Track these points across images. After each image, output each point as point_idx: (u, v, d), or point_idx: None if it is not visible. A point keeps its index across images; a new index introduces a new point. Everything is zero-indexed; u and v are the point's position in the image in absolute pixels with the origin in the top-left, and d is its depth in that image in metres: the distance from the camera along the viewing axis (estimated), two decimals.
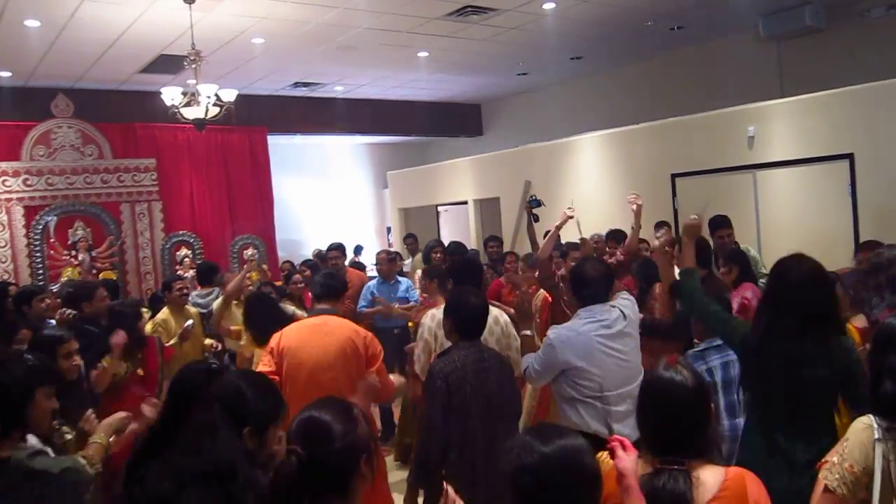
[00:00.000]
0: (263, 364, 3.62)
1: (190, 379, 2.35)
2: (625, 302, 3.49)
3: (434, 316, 3.89)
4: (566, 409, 3.30)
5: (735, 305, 4.58)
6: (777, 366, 2.64)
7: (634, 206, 5.15)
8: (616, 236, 6.51)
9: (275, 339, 3.68)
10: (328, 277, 4.04)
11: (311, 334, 3.66)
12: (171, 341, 5.51)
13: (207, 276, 7.03)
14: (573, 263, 5.36)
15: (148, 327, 5.85)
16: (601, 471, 1.70)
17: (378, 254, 7.33)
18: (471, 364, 3.15)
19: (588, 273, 3.44)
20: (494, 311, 3.76)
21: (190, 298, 6.87)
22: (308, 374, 3.50)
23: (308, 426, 1.72)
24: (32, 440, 2.42)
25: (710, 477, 1.85)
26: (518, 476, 1.61)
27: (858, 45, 8.09)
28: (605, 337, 3.26)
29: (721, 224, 5.80)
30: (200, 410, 1.94)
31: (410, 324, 5.95)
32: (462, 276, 4.26)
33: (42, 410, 2.40)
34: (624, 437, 3.08)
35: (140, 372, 4.53)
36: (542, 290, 5.48)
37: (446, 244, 7.39)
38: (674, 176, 8.06)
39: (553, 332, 3.34)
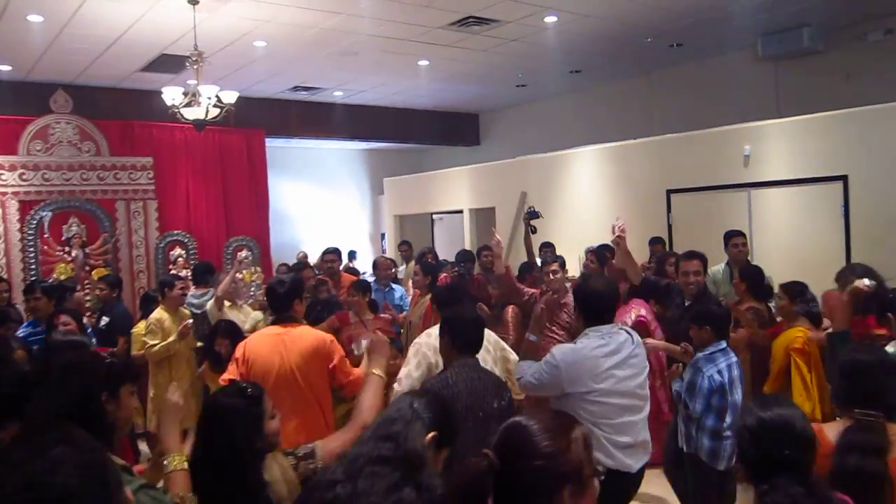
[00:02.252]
0: (229, 373, 3.64)
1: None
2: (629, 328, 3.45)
3: (431, 333, 3.78)
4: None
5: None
6: None
7: (619, 234, 4.72)
8: (600, 253, 6.54)
9: (240, 349, 3.71)
10: (275, 285, 3.93)
11: (276, 343, 3.66)
12: (171, 338, 5.53)
13: (203, 276, 7.03)
14: (549, 276, 5.35)
15: (140, 326, 5.87)
16: (815, 438, 2.00)
17: (380, 259, 7.35)
18: (464, 383, 3.07)
19: (596, 290, 3.34)
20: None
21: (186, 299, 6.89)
22: (274, 383, 3.50)
23: (511, 432, 1.58)
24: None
25: None
26: (740, 435, 2.05)
27: (855, 67, 8.18)
28: (614, 365, 3.16)
29: (735, 234, 6.07)
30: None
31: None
32: (448, 303, 4.18)
33: (128, 409, 2.23)
34: (626, 467, 3.10)
35: None
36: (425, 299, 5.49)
37: (446, 252, 7.42)
38: (669, 192, 8.12)
39: (559, 352, 3.22)
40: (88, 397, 2.05)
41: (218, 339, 4.80)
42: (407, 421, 1.79)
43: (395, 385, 3.56)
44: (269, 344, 3.67)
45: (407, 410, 1.84)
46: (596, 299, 3.30)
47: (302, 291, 4.08)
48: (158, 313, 5.77)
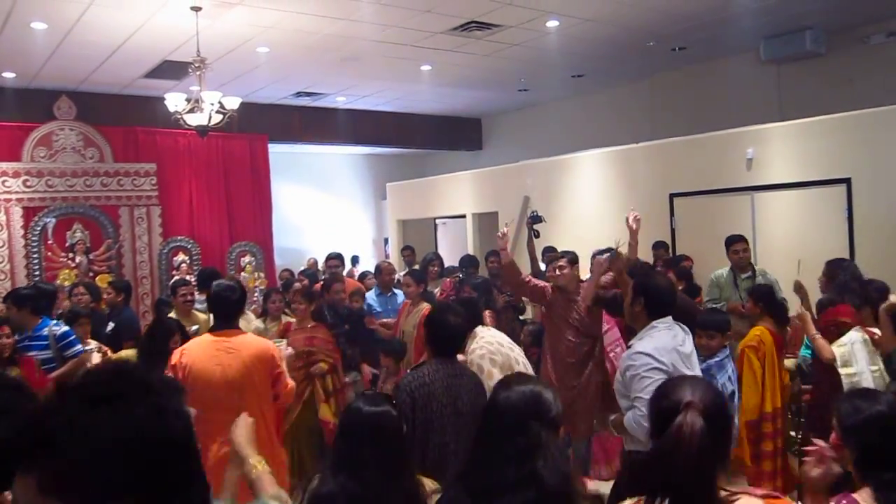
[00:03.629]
0: None
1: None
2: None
3: (493, 340, 3.86)
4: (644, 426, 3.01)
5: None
6: None
7: (634, 224, 4.91)
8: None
9: (176, 356, 3.61)
10: (224, 291, 3.79)
11: (216, 351, 3.57)
12: None
13: (207, 282, 7.00)
14: (557, 272, 5.25)
15: None
16: None
17: (382, 265, 7.34)
18: (440, 380, 3.07)
19: (661, 285, 3.46)
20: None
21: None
22: (213, 394, 3.42)
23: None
24: None
25: None
26: (865, 428, 2.06)
27: (858, 70, 8.17)
28: (686, 353, 3.25)
29: (736, 239, 6.08)
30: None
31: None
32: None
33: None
34: None
35: None
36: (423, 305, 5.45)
37: (449, 257, 7.41)
38: (672, 196, 8.11)
39: (648, 348, 3.15)
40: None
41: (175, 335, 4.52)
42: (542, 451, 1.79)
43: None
44: (209, 352, 3.55)
45: (536, 442, 1.82)
46: (665, 293, 3.39)
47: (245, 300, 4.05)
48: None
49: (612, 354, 4.77)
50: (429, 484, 2.21)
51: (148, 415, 1.12)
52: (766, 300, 4.87)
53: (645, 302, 3.36)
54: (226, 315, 3.74)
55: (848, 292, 4.68)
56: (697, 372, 3.25)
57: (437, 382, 3.06)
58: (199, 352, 3.57)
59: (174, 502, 1.12)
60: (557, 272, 5.16)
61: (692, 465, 1.54)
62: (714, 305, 5.87)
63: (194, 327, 5.58)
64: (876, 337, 4.01)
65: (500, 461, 1.75)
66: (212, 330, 3.79)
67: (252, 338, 3.79)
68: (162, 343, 4.26)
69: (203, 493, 1.19)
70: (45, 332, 5.02)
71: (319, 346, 5.13)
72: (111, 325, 6.18)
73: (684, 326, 3.41)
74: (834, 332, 4.40)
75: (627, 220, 4.90)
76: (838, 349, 4.08)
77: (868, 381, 3.89)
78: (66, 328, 5.08)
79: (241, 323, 5.90)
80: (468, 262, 7.03)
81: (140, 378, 1.22)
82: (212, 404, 3.29)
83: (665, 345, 3.17)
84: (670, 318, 3.33)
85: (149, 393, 1.16)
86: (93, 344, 5.38)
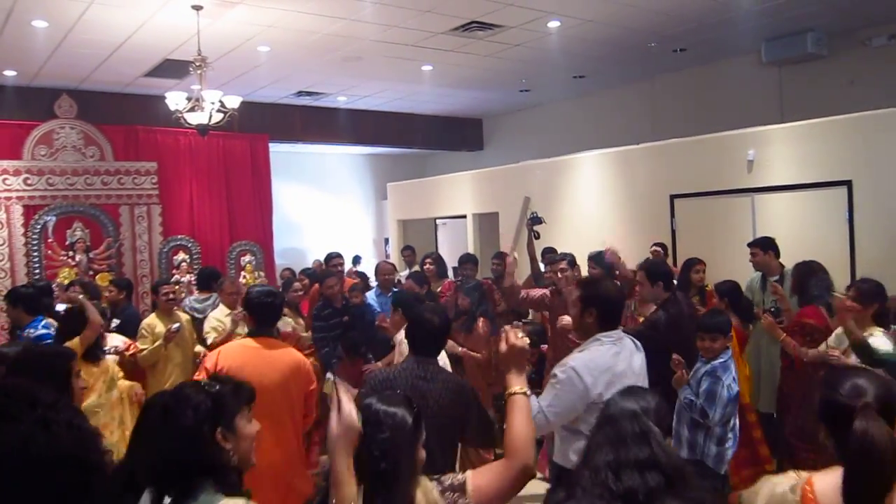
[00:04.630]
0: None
1: None
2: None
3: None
4: (573, 443, 2.98)
5: None
6: None
7: (612, 258, 5.23)
8: (598, 258, 6.47)
9: (212, 358, 3.59)
10: (266, 296, 3.79)
11: (254, 357, 3.55)
12: (157, 343, 5.49)
13: (207, 281, 7.02)
14: (558, 275, 5.27)
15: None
16: None
17: (382, 265, 7.35)
18: (405, 380, 3.00)
19: (611, 292, 3.25)
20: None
21: (187, 303, 6.89)
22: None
23: None
24: None
25: None
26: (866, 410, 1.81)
27: (859, 73, 8.17)
28: (626, 370, 3.04)
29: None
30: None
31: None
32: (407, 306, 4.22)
33: (249, 439, 1.96)
34: None
35: None
36: None
37: (451, 257, 7.39)
38: (672, 197, 8.10)
39: (576, 362, 3.01)
40: (196, 440, 1.77)
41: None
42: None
43: None
44: (247, 357, 3.53)
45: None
46: (614, 303, 3.22)
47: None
48: (151, 318, 5.75)
49: None
50: (426, 484, 2.00)
51: (33, 428, 1.11)
52: (731, 296, 5.12)
53: (597, 313, 3.15)
54: (265, 321, 3.74)
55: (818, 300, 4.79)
56: (640, 377, 3.10)
57: (399, 381, 2.99)
58: (237, 356, 3.53)
59: None
60: (559, 275, 5.21)
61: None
62: None
63: (175, 326, 5.54)
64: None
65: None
66: (252, 335, 3.77)
67: (289, 349, 3.79)
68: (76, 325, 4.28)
69: None
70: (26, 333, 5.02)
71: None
72: (116, 322, 6.18)
73: (636, 342, 3.23)
74: (798, 332, 4.55)
75: (607, 255, 5.20)
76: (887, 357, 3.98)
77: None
78: (43, 331, 4.96)
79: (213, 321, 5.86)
80: (466, 259, 6.96)
81: (26, 393, 1.22)
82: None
83: (599, 363, 2.98)
84: (617, 331, 3.17)
85: (34, 407, 1.15)
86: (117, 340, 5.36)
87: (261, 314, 3.75)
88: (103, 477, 1.19)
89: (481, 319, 5.47)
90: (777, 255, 5.81)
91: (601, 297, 3.19)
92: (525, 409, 2.11)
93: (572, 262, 5.79)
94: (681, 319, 4.37)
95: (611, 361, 3.01)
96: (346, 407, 1.82)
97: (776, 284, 5.35)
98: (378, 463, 1.81)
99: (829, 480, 1.83)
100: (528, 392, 2.17)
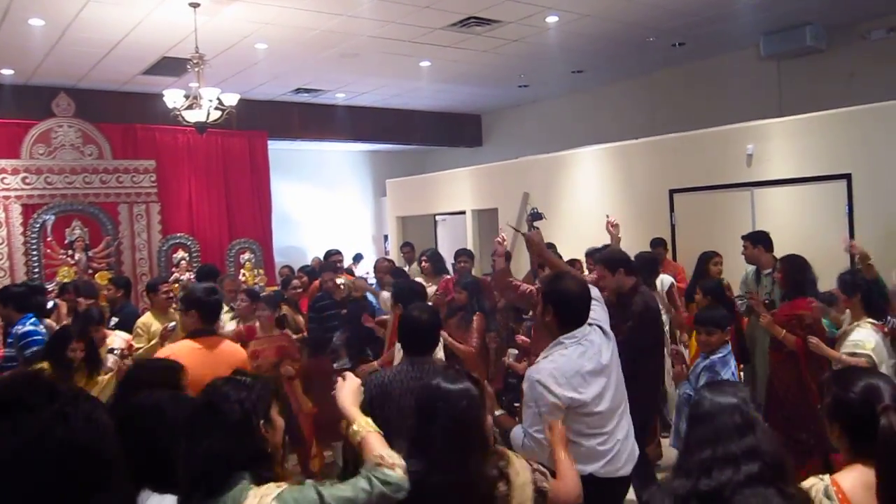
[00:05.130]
0: None
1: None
2: (598, 310, 3.13)
3: None
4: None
5: None
6: None
7: (613, 230, 5.25)
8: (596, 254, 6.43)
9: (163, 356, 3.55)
10: (212, 294, 3.82)
11: (204, 357, 3.53)
12: (153, 341, 5.47)
13: (206, 279, 7.00)
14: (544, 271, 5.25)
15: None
16: None
17: (380, 262, 7.35)
18: (399, 382, 2.95)
19: (571, 289, 3.01)
20: None
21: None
22: None
23: None
24: None
25: None
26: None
27: (858, 66, 8.16)
28: (596, 369, 2.90)
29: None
30: None
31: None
32: (408, 301, 4.20)
33: (281, 429, 2.01)
34: (614, 472, 2.98)
35: None
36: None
37: (450, 254, 7.40)
38: (672, 192, 8.09)
39: (539, 373, 2.83)
40: (245, 433, 1.82)
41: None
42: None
43: None
44: (197, 358, 3.46)
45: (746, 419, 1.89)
46: (575, 300, 2.98)
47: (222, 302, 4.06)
48: (146, 317, 5.73)
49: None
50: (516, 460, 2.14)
51: (51, 420, 1.13)
52: (714, 294, 5.17)
53: (555, 312, 2.97)
54: (210, 319, 3.76)
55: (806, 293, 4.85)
56: (610, 385, 2.96)
57: (395, 383, 2.96)
58: (187, 356, 3.44)
59: None
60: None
61: None
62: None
63: (171, 324, 5.52)
64: (886, 329, 4.16)
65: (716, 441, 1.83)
66: (197, 334, 3.74)
67: (235, 346, 3.83)
68: (60, 351, 4.16)
69: (121, 500, 1.19)
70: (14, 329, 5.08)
71: (285, 354, 5.16)
72: (114, 321, 6.18)
73: (605, 329, 3.07)
74: (797, 326, 4.55)
75: (607, 226, 5.23)
76: (870, 352, 4.06)
77: (891, 375, 3.99)
78: (31, 328, 4.98)
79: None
80: (461, 252, 6.94)
81: (45, 385, 1.23)
82: None
83: (564, 369, 2.82)
84: (582, 329, 2.96)
85: (53, 399, 1.17)
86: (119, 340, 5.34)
87: (207, 311, 3.76)
88: (119, 472, 1.20)
89: (477, 314, 5.43)
90: (768, 249, 5.81)
91: (558, 295, 3.00)
92: (570, 466, 2.42)
93: (570, 263, 5.86)
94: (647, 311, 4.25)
95: (577, 364, 2.85)
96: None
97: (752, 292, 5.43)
98: (450, 437, 1.97)
99: (852, 479, 1.88)
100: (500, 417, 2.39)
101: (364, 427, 2.07)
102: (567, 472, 2.39)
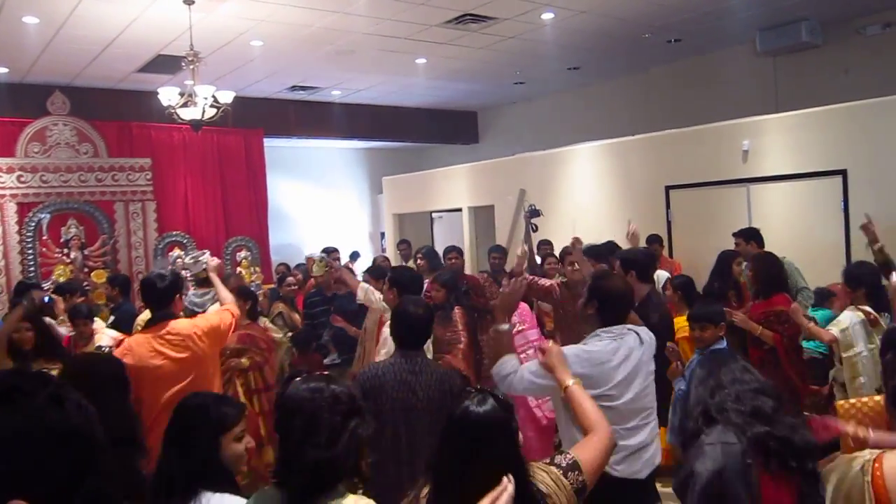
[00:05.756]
0: None
1: None
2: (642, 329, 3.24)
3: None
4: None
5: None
6: None
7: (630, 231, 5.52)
8: (595, 252, 6.33)
9: (122, 351, 3.64)
10: (155, 279, 3.88)
11: (159, 346, 3.64)
12: None
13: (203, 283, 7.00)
14: (570, 268, 5.39)
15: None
16: None
17: (378, 259, 7.36)
18: (393, 374, 3.04)
19: (618, 288, 3.18)
20: None
21: (187, 298, 6.86)
22: (165, 387, 3.53)
23: None
24: None
25: None
26: None
27: (854, 61, 8.16)
28: (625, 366, 2.97)
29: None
30: None
31: None
32: (406, 289, 4.24)
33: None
34: (634, 473, 2.97)
35: None
36: None
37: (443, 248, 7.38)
38: (668, 188, 8.09)
39: (570, 354, 2.87)
40: (341, 439, 1.80)
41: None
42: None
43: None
44: (155, 347, 3.62)
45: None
46: (618, 298, 3.14)
47: (181, 287, 4.12)
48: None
49: (522, 356, 4.16)
50: (552, 470, 1.93)
51: (47, 403, 1.19)
52: (684, 290, 5.20)
53: (598, 307, 3.13)
54: (157, 304, 3.80)
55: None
56: (634, 385, 2.99)
57: (388, 376, 3.05)
58: (141, 351, 3.60)
59: (77, 491, 1.17)
60: (571, 268, 5.41)
61: None
62: None
63: None
64: (872, 316, 4.21)
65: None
66: (148, 323, 3.83)
67: (179, 324, 3.81)
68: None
69: (107, 484, 1.23)
70: None
71: (250, 343, 5.15)
72: (111, 319, 6.17)
73: (645, 332, 3.16)
74: (775, 321, 4.59)
75: (627, 233, 5.55)
76: (840, 332, 4.23)
77: (867, 360, 4.10)
78: None
79: None
80: (450, 249, 6.79)
81: (38, 375, 1.33)
82: (167, 402, 3.39)
83: (593, 357, 2.93)
84: (619, 327, 3.07)
85: (47, 385, 1.23)
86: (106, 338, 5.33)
87: (156, 298, 3.81)
88: (108, 456, 1.26)
89: (457, 309, 5.32)
90: (759, 245, 5.86)
91: (603, 291, 3.15)
92: (583, 394, 2.37)
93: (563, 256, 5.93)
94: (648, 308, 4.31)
95: (606, 357, 2.94)
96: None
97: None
98: (483, 463, 1.73)
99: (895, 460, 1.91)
100: (579, 383, 2.43)
101: (573, 382, 2.39)
102: (586, 412, 2.26)
